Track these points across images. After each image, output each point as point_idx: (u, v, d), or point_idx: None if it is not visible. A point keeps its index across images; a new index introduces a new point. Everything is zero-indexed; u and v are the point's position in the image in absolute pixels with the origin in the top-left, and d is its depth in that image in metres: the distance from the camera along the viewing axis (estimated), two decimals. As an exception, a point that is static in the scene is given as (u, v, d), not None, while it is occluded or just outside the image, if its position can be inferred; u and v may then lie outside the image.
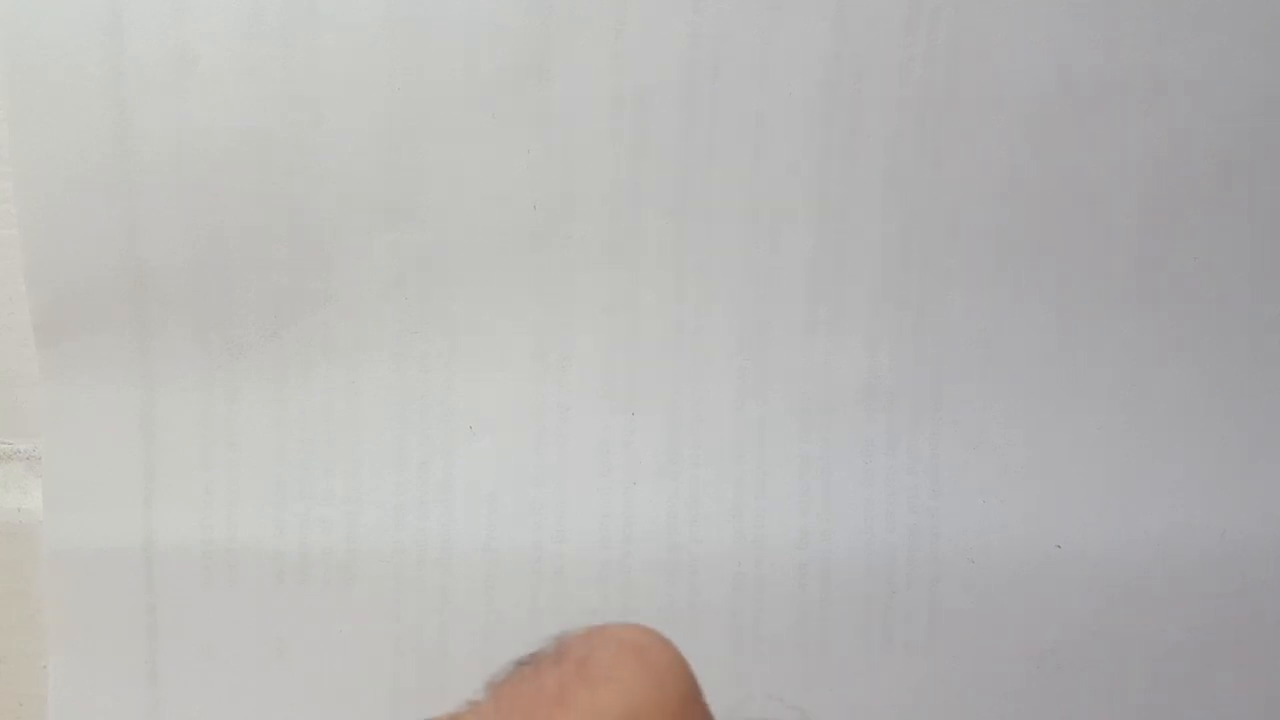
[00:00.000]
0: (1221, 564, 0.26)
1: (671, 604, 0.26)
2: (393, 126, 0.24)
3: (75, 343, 0.25)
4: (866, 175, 0.25)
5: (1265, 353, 0.26)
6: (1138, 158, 0.25)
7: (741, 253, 0.25)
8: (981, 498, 0.26)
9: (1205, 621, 0.26)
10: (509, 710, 0.12)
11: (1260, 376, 0.26)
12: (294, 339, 0.25)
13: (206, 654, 0.25)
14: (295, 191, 0.24)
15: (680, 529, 0.26)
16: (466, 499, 0.25)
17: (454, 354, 0.25)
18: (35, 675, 0.26)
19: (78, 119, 0.24)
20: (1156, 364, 0.26)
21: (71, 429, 0.25)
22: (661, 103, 0.25)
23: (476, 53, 0.24)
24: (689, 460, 0.26)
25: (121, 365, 0.25)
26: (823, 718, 0.26)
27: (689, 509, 0.26)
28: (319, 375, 0.25)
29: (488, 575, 0.26)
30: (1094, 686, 0.26)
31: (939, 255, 0.25)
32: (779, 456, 0.26)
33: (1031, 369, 0.26)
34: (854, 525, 0.26)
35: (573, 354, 0.25)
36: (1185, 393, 0.26)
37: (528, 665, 0.13)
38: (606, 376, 0.26)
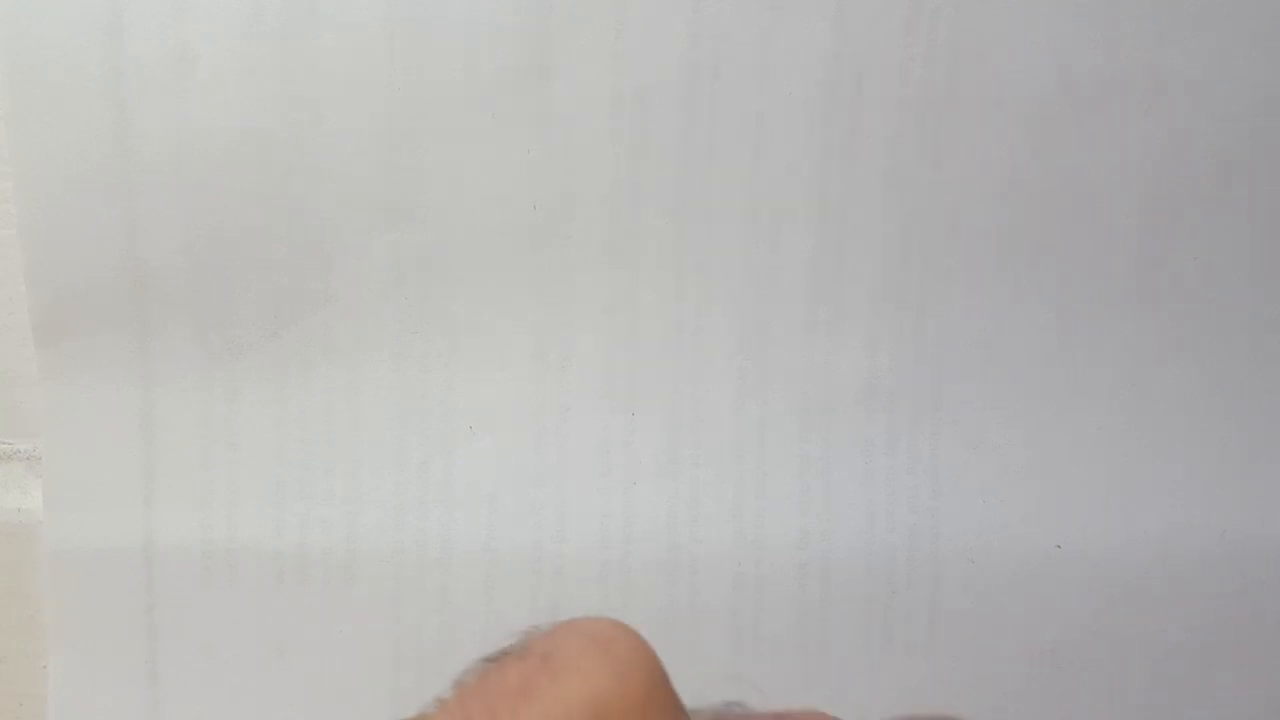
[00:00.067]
0: (1221, 564, 0.26)
1: (671, 604, 0.26)
2: (393, 126, 0.24)
3: (75, 343, 0.25)
4: (866, 175, 0.25)
5: (1265, 353, 0.26)
6: (1138, 158, 0.25)
7: (741, 253, 0.25)
8: (981, 498, 0.26)
9: (1205, 621, 0.26)
10: (474, 706, 0.12)
11: (1260, 376, 0.26)
12: (294, 339, 0.25)
13: (206, 654, 0.25)
14: (295, 191, 0.24)
15: (680, 529, 0.26)
16: (466, 499, 0.25)
17: (454, 354, 0.25)
18: (35, 675, 0.26)
19: (78, 119, 0.24)
20: (1156, 364, 0.26)
21: (71, 429, 0.25)
22: (661, 103, 0.25)
23: (476, 53, 0.24)
24: (689, 460, 0.26)
25: (121, 365, 0.25)
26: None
27: (689, 509, 0.26)
28: (319, 375, 0.25)
29: (488, 575, 0.26)
30: (1094, 686, 0.26)
31: (939, 255, 0.25)
32: (779, 456, 0.26)
33: (1031, 369, 0.26)
34: (854, 525, 0.26)
35: (573, 354, 0.25)
36: (1185, 393, 0.26)
37: (494, 661, 0.13)
38: (606, 376, 0.25)
